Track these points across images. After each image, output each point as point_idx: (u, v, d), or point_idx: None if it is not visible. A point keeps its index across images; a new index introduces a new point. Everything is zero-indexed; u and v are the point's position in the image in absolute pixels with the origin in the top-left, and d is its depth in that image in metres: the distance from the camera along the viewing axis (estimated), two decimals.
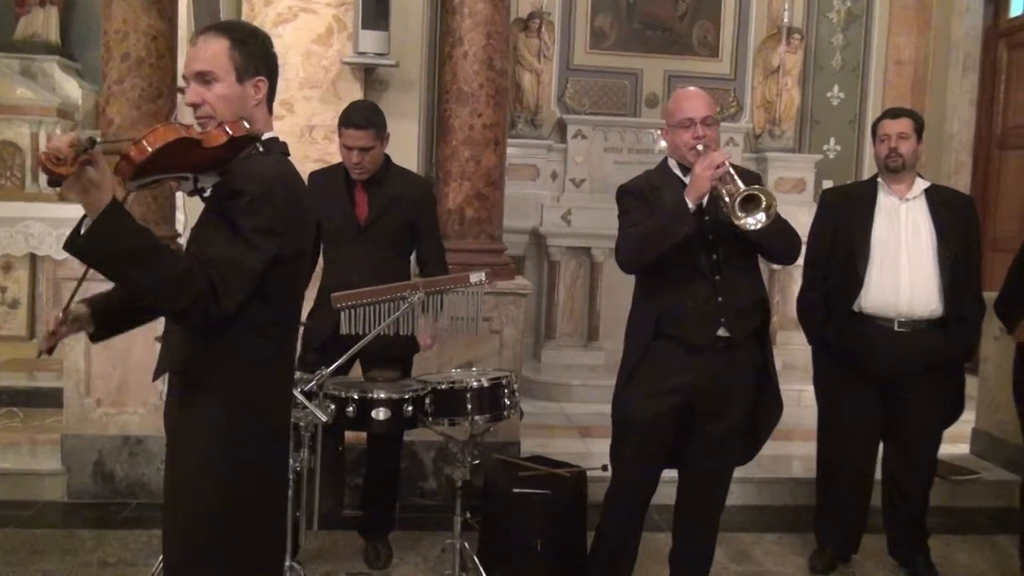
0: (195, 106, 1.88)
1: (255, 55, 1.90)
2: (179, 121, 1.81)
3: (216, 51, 1.86)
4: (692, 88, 2.94)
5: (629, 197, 2.90)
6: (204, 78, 1.86)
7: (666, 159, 2.96)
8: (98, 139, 1.60)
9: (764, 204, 2.58)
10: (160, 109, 4.02)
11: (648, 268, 2.80)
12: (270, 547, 2.05)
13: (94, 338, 1.99)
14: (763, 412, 2.95)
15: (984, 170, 6.67)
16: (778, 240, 2.79)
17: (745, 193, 2.58)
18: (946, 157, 6.68)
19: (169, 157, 1.72)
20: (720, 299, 2.78)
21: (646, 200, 2.84)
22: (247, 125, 1.84)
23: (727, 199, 2.61)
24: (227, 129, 1.79)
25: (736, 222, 2.59)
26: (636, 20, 6.94)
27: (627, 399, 2.90)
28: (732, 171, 2.64)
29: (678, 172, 2.88)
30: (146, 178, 1.76)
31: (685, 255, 2.74)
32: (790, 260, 2.94)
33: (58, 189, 1.63)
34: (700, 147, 2.76)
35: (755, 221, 2.59)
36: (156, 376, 2.01)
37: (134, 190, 1.80)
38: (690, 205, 2.65)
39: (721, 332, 2.80)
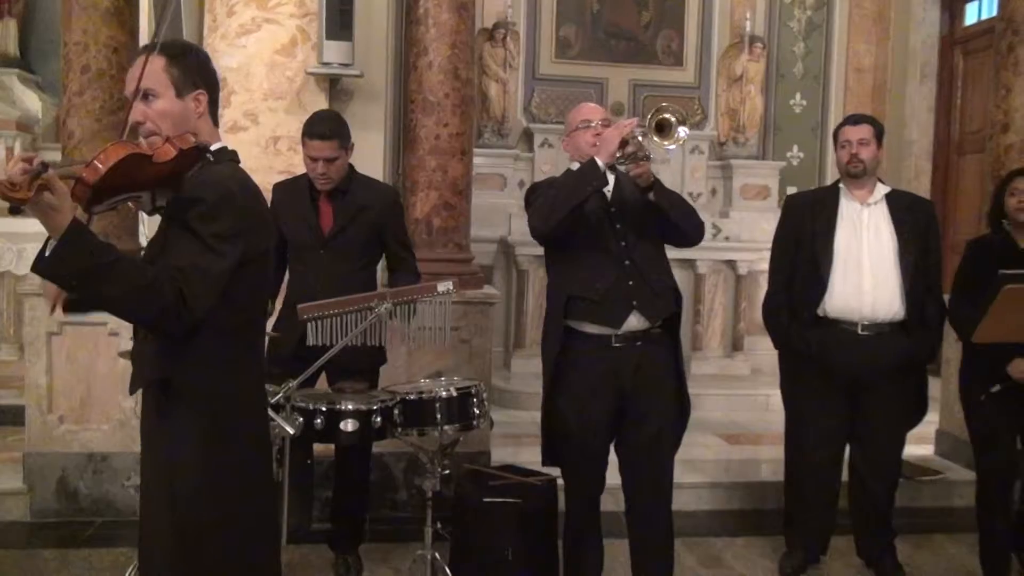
0: (139, 124, 1.93)
1: (192, 69, 1.96)
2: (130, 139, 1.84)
3: (153, 69, 1.91)
4: (586, 102, 3.19)
5: (541, 188, 3.01)
6: (144, 96, 1.91)
7: (569, 168, 3.04)
8: (49, 163, 1.62)
9: (674, 120, 2.70)
10: (121, 121, 3.97)
11: (561, 235, 2.83)
12: (261, 553, 2.06)
13: (69, 306, 1.97)
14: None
15: (943, 175, 6.79)
16: (685, 214, 2.88)
17: (656, 121, 2.71)
18: (906, 162, 6.79)
19: (123, 175, 1.74)
20: (631, 283, 2.85)
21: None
22: (193, 138, 1.89)
23: (640, 139, 2.72)
24: (174, 143, 1.84)
25: (669, 147, 2.74)
26: (601, 30, 7.00)
27: (559, 411, 2.94)
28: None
29: None
30: (105, 200, 1.78)
31: (596, 240, 2.84)
32: (697, 236, 2.96)
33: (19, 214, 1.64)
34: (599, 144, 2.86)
35: (678, 140, 2.73)
36: (133, 390, 2.02)
37: (98, 213, 1.82)
38: (599, 163, 2.73)
39: (633, 320, 2.84)
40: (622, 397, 2.88)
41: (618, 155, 2.73)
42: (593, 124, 2.94)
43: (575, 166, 2.98)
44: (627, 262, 2.86)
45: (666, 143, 2.73)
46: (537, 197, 2.94)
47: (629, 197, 2.88)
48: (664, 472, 2.96)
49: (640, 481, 2.96)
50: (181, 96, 1.93)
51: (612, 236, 2.87)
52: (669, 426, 2.93)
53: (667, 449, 2.95)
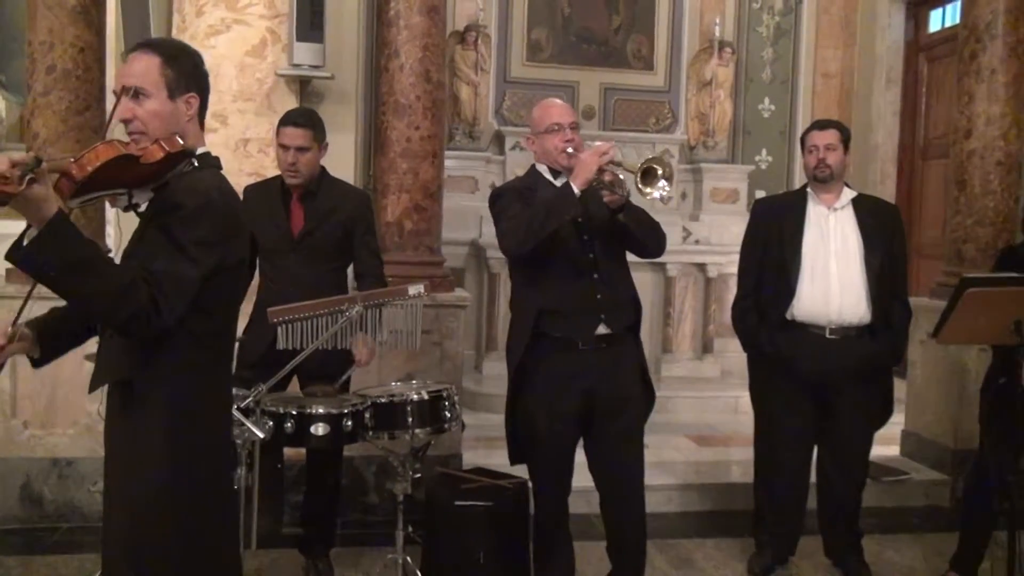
0: (127, 122, 1.90)
1: (186, 72, 1.94)
2: (114, 137, 1.84)
3: (147, 67, 1.89)
4: (554, 98, 3.10)
5: (506, 196, 2.99)
6: (135, 95, 1.89)
7: (533, 166, 3.08)
8: (43, 158, 1.63)
9: (662, 173, 2.68)
10: (88, 122, 3.93)
11: (530, 258, 2.84)
12: (221, 559, 2.05)
13: (37, 363, 2.00)
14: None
15: (908, 179, 6.89)
16: (650, 230, 2.92)
17: (644, 167, 2.68)
18: (872, 167, 6.88)
19: (108, 174, 1.75)
20: (599, 295, 2.89)
21: (522, 198, 2.93)
22: (181, 140, 1.88)
23: (621, 178, 2.72)
24: (163, 145, 1.83)
25: (644, 196, 2.69)
26: (572, 33, 7.02)
27: (526, 412, 2.94)
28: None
29: (548, 176, 3.00)
30: (86, 196, 1.79)
31: (564, 252, 2.85)
32: (659, 251, 3.03)
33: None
34: (570, 149, 2.88)
35: (660, 190, 2.69)
36: (93, 388, 2.00)
37: (75, 207, 1.81)
38: (575, 190, 2.71)
39: (601, 329, 2.88)
40: (590, 395, 2.90)
41: (594, 182, 2.72)
42: (564, 128, 2.92)
43: (543, 168, 3.00)
44: (595, 274, 2.89)
45: (643, 187, 2.68)
46: (503, 208, 2.92)
47: (597, 211, 2.87)
48: (637, 461, 3.01)
49: (613, 473, 2.99)
50: (173, 97, 1.92)
51: (580, 248, 2.88)
52: (640, 418, 3.00)
53: (638, 440, 3.00)
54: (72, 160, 1.71)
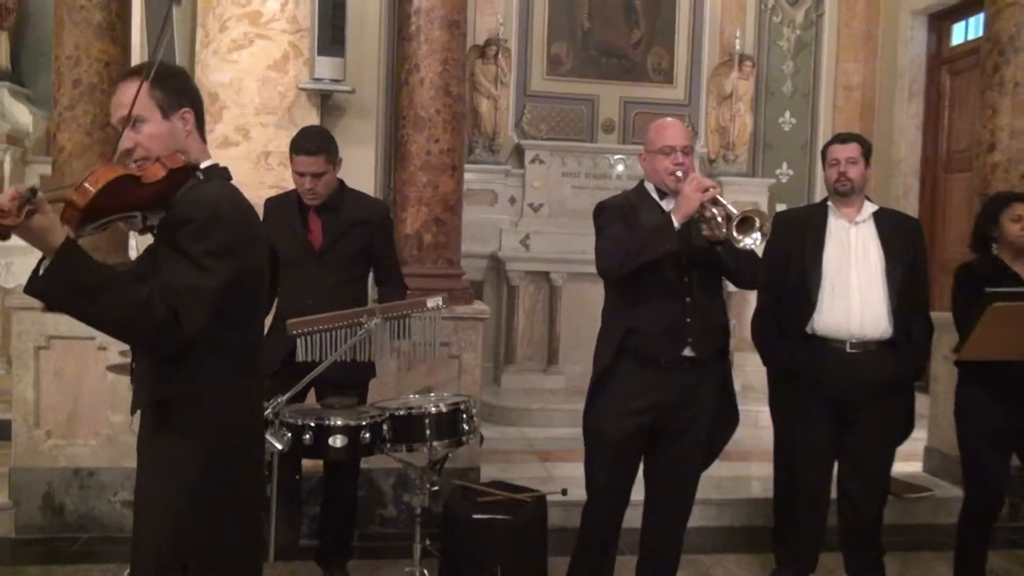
0: (130, 151, 1.93)
1: (175, 89, 1.97)
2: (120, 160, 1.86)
3: (137, 94, 1.91)
4: (671, 118, 3.08)
5: (608, 212, 3.00)
6: (131, 122, 1.92)
7: (642, 182, 3.07)
8: (38, 188, 1.64)
9: (758, 225, 2.68)
10: (112, 136, 3.97)
11: (626, 279, 2.87)
12: (252, 566, 2.07)
13: None
14: (719, 424, 3.06)
15: (931, 193, 6.84)
16: (746, 264, 2.92)
17: (742, 216, 2.68)
18: (894, 180, 6.84)
19: (112, 197, 1.75)
20: (688, 320, 2.89)
21: (624, 216, 2.95)
22: (183, 156, 1.90)
23: (720, 220, 2.71)
24: (164, 163, 1.85)
25: (736, 244, 2.69)
26: (592, 47, 7.04)
27: (596, 417, 2.98)
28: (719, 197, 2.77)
29: (654, 195, 3.00)
30: (95, 222, 1.80)
31: (659, 275, 2.85)
32: (754, 283, 3.09)
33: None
34: (679, 173, 2.88)
35: (752, 240, 2.69)
36: (133, 411, 2.02)
37: (88, 234, 1.82)
38: (676, 223, 2.73)
39: (687, 352, 2.90)
40: (661, 409, 2.92)
41: (695, 215, 2.73)
42: (675, 151, 2.90)
43: (650, 187, 3.01)
44: (688, 298, 2.89)
45: (736, 234, 2.67)
46: (603, 225, 2.95)
47: (696, 239, 2.86)
48: (691, 483, 3.06)
49: (664, 490, 3.03)
50: (167, 117, 1.94)
51: (676, 272, 2.88)
52: (701, 447, 3.01)
53: (694, 466, 3.04)
54: (73, 188, 1.71)
